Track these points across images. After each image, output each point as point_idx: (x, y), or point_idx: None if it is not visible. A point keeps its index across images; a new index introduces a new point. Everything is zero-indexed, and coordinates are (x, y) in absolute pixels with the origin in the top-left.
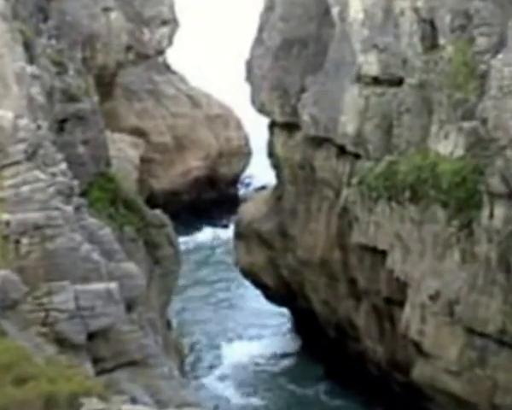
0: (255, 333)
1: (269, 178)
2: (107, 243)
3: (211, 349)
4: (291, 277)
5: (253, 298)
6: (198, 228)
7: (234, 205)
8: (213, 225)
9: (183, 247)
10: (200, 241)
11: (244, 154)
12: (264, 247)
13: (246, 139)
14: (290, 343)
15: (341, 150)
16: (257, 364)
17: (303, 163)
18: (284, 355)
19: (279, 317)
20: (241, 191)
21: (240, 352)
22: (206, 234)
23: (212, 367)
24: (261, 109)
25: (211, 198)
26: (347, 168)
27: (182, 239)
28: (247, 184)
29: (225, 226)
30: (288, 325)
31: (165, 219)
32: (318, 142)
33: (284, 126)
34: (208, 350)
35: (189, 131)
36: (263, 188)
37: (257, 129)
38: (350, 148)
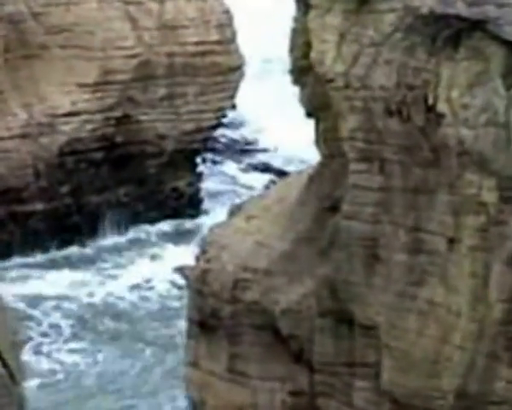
0: None
1: (295, 150)
2: None
3: None
4: None
5: None
6: (79, 283)
7: (188, 230)
8: (132, 278)
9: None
10: (97, 317)
11: (221, 72)
12: (281, 357)
13: (226, 29)
14: None
15: None
16: None
17: (402, 101)
18: None
19: None
20: (209, 183)
21: None
22: (107, 303)
23: None
24: None
25: (120, 201)
26: None
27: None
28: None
29: (151, 280)
30: None
31: None
32: (452, 34)
33: None
34: None
35: (65, 11)
36: (280, 174)
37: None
38: None
